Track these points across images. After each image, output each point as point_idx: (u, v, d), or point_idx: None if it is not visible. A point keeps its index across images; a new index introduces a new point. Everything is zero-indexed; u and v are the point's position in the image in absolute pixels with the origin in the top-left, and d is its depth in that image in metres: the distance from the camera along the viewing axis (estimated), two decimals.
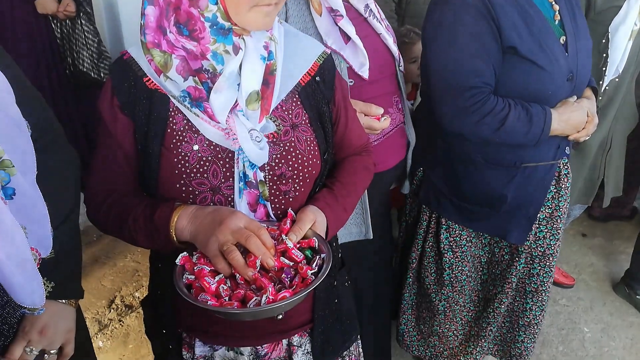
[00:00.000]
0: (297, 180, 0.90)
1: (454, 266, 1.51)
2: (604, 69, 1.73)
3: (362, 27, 1.22)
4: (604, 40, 1.70)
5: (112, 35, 2.62)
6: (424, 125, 1.46)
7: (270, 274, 0.78)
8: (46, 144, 0.91)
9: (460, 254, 1.51)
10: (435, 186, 1.46)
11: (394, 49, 1.30)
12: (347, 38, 1.20)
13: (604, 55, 1.71)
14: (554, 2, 1.31)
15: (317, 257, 0.81)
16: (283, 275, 0.78)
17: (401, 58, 1.34)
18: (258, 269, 0.76)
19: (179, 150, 0.84)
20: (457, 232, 1.49)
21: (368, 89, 1.25)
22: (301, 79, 0.91)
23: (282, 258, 0.79)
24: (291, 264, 0.79)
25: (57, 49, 2.40)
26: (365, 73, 1.21)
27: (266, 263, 0.76)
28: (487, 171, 1.37)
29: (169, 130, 0.84)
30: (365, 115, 1.19)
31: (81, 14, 2.33)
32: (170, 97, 0.83)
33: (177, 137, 0.84)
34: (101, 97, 0.87)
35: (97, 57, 2.38)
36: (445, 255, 1.51)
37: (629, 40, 1.67)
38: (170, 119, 0.84)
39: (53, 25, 2.37)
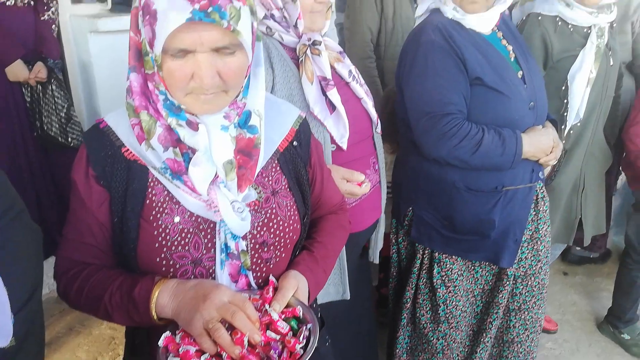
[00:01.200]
0: (278, 247, 0.89)
1: (447, 301, 1.56)
2: (565, 114, 1.81)
3: (345, 92, 1.28)
4: (563, 87, 1.78)
5: (87, 99, 2.63)
6: (408, 166, 1.58)
7: (257, 350, 0.75)
8: (7, 224, 0.86)
9: (452, 288, 1.56)
10: (426, 222, 1.55)
11: (373, 112, 1.36)
12: (332, 108, 1.25)
13: (565, 101, 1.79)
14: (507, 44, 1.48)
15: (304, 327, 0.79)
16: (271, 351, 0.75)
17: (379, 121, 1.40)
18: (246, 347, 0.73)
19: (159, 222, 0.82)
20: (448, 265, 1.55)
21: (348, 152, 1.29)
22: (280, 145, 0.92)
23: (268, 332, 0.77)
24: (277, 337, 0.77)
25: (27, 112, 2.40)
26: (344, 144, 1.27)
27: (253, 339, 0.74)
28: (471, 198, 1.47)
29: (147, 202, 0.83)
30: (347, 181, 1.23)
31: (52, 80, 2.34)
32: (150, 169, 0.82)
33: (157, 209, 0.82)
34: (75, 167, 0.85)
35: (66, 122, 2.39)
36: (439, 290, 1.56)
37: (586, 87, 1.76)
38: (150, 190, 0.83)
39: (23, 90, 2.37)
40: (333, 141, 1.26)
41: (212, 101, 0.78)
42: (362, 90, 1.33)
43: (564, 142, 1.83)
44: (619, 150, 2.13)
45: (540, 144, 1.42)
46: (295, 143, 0.94)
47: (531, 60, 1.53)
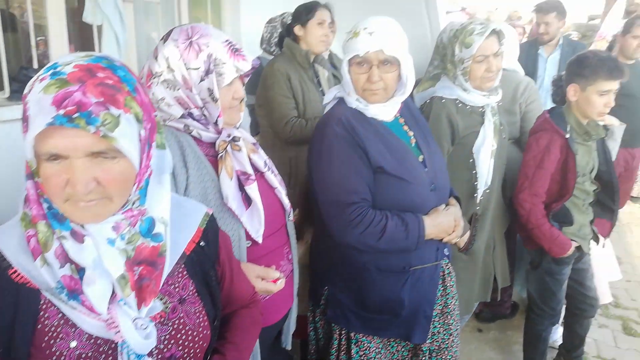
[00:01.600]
0: (187, 358, 0.85)
1: None
2: (475, 183, 1.96)
3: (260, 182, 1.29)
4: (471, 160, 1.95)
5: None
6: (322, 247, 1.61)
7: None
8: None
9: None
10: (341, 302, 1.56)
11: (286, 201, 1.38)
12: (247, 202, 1.24)
13: (473, 172, 1.95)
14: (408, 130, 1.57)
15: None
16: None
17: (292, 210, 1.43)
18: None
19: (53, 349, 0.75)
20: (365, 344, 1.55)
21: (262, 245, 1.28)
22: (186, 247, 0.89)
23: None
24: None
25: None
26: (259, 238, 1.26)
27: None
28: (382, 279, 1.50)
29: (39, 327, 0.75)
30: (262, 279, 1.22)
31: None
32: (43, 291, 0.75)
33: (51, 335, 0.75)
34: None
35: None
36: None
37: (490, 158, 1.94)
38: (42, 314, 0.76)
39: None
40: (248, 237, 1.26)
41: (94, 209, 0.74)
42: (276, 180, 1.35)
43: (478, 208, 1.99)
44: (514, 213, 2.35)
45: (441, 224, 1.49)
46: (202, 243, 0.92)
47: (432, 143, 1.63)
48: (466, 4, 6.57)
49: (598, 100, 1.92)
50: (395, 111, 1.55)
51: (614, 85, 1.92)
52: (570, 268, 2.14)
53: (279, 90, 2.32)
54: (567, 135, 1.96)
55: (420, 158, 1.55)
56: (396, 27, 1.46)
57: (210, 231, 0.96)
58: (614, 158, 2.37)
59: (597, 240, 2.18)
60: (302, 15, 2.37)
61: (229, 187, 1.21)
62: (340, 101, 1.54)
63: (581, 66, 1.95)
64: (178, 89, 1.18)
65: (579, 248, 2.07)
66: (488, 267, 2.17)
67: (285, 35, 2.51)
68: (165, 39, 1.21)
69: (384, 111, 1.51)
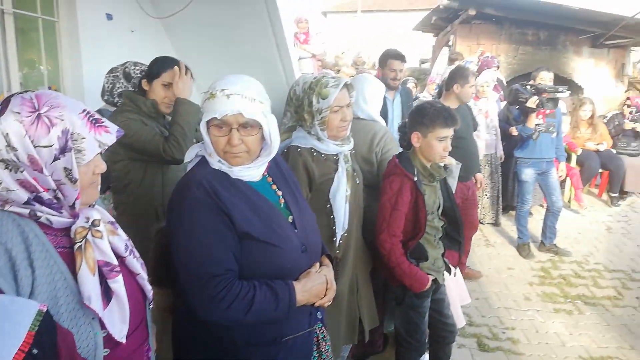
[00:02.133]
0: None
1: None
2: (333, 227, 2.03)
3: (121, 270, 1.11)
4: (328, 205, 2.02)
5: None
6: (184, 324, 1.46)
7: None
8: None
9: None
10: None
11: (148, 287, 1.23)
12: (107, 299, 1.06)
13: (331, 217, 2.03)
14: (277, 189, 1.50)
15: None
16: None
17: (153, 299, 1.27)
18: None
19: None
20: None
21: (123, 347, 1.11)
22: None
23: None
24: None
25: None
26: (123, 339, 1.08)
27: None
28: (252, 353, 1.38)
29: None
30: None
31: None
32: None
33: None
34: None
35: None
36: None
37: (345, 202, 2.03)
38: None
39: None
40: (107, 344, 1.07)
41: None
42: (138, 264, 1.19)
43: (338, 251, 2.05)
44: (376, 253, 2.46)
45: (313, 289, 1.43)
46: (35, 351, 0.77)
47: (301, 201, 1.58)
48: (315, 51, 6.99)
49: (438, 145, 2.14)
50: (261, 171, 1.47)
51: (449, 132, 2.16)
52: (429, 300, 2.30)
53: (139, 129, 2.13)
54: (415, 178, 2.14)
55: (290, 219, 1.47)
56: (255, 87, 1.38)
57: (46, 334, 0.80)
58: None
59: (449, 270, 2.39)
60: (152, 70, 2.26)
61: (92, 285, 1.02)
62: (203, 160, 1.42)
63: (421, 116, 2.17)
64: (22, 171, 0.99)
65: (435, 280, 2.24)
66: (353, 310, 2.21)
67: (131, 86, 2.36)
68: (0, 111, 1.00)
69: (250, 173, 1.42)
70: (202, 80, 2.62)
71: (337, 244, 2.04)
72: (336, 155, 2.06)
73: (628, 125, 6.39)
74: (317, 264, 1.51)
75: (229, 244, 1.32)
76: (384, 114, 3.67)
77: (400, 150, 2.40)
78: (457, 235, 2.37)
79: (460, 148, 3.60)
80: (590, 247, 4.91)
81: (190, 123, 2.16)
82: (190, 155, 1.46)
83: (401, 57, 3.83)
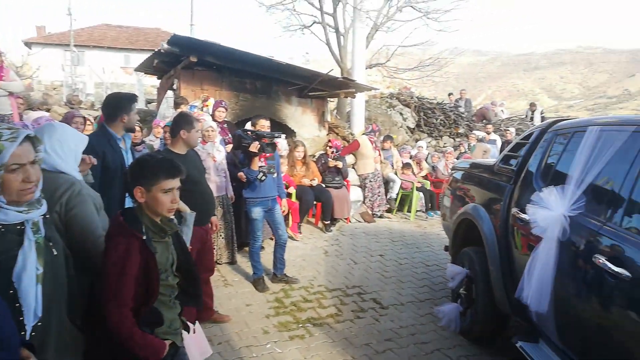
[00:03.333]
0: None
1: None
2: (21, 319, 1.61)
3: None
4: (11, 291, 1.60)
5: None
6: None
7: None
8: None
9: None
10: None
11: None
12: None
13: (17, 305, 1.60)
14: None
15: None
16: None
17: None
18: None
19: None
20: None
21: None
22: None
23: None
24: None
25: None
26: None
27: None
28: None
29: None
30: None
31: None
32: None
33: None
34: None
35: None
36: None
37: (37, 284, 1.65)
38: None
39: None
40: None
41: None
42: None
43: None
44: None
45: None
46: None
47: None
48: (13, 88, 5.92)
49: (164, 198, 2.04)
50: None
51: (175, 183, 2.08)
52: None
53: None
54: (144, 236, 1.97)
55: None
56: None
57: None
58: (189, 243, 2.57)
59: (187, 329, 2.27)
60: None
61: None
62: None
63: (142, 169, 2.03)
64: None
65: (172, 344, 2.09)
66: None
67: None
68: None
69: None
70: None
71: (29, 336, 1.64)
72: (21, 224, 1.68)
73: (331, 162, 7.62)
74: None
75: None
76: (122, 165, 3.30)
77: (90, 207, 2.18)
78: (194, 289, 2.29)
79: (195, 192, 3.58)
80: (314, 271, 5.56)
81: None
82: None
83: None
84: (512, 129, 11.40)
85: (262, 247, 5.45)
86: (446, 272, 4.53)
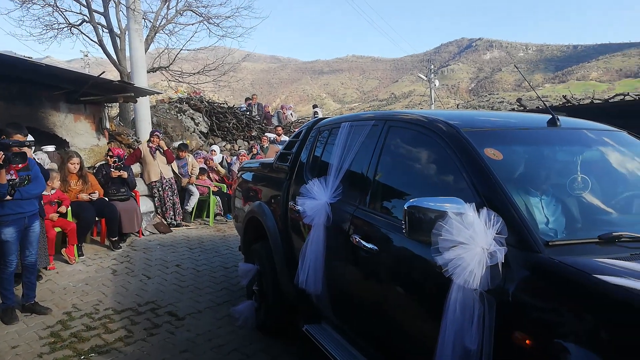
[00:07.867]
0: None
1: None
2: None
3: None
4: None
5: None
6: None
7: None
8: None
9: None
10: None
11: None
12: None
13: None
14: None
15: None
16: None
17: None
18: None
19: None
20: None
21: None
22: None
23: None
24: None
25: None
26: None
27: None
28: None
29: None
30: None
31: None
32: None
33: None
34: None
35: None
36: None
37: None
38: None
39: None
40: None
41: None
42: None
43: None
44: None
45: None
46: None
47: None
48: None
49: None
50: None
51: None
52: None
53: None
54: None
55: None
56: None
57: None
58: None
59: None
60: None
61: None
62: None
63: None
64: None
65: None
66: None
67: None
68: None
69: None
70: None
71: None
72: None
73: (115, 173, 6.99)
74: None
75: None
76: None
77: None
78: None
79: None
80: (99, 295, 5.01)
81: None
82: None
83: None
84: None
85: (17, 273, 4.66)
86: (238, 271, 4.58)
